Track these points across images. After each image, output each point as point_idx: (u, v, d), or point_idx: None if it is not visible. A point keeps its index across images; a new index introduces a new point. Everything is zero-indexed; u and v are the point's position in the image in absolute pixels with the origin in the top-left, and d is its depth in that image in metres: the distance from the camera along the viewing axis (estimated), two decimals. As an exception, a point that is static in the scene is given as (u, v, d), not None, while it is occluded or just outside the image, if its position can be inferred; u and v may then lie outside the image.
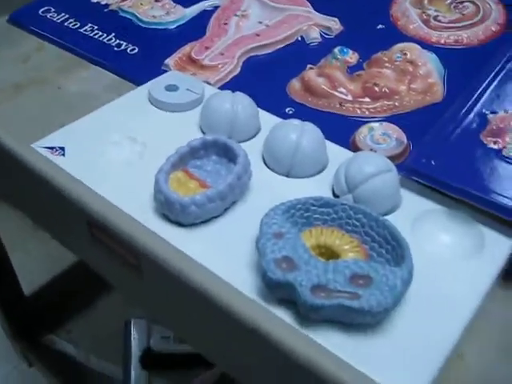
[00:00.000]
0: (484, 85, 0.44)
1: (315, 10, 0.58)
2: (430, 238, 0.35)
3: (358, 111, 0.46)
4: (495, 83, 0.44)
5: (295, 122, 0.39)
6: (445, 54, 0.51)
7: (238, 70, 0.51)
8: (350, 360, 0.28)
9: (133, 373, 0.81)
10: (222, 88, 0.48)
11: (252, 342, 0.31)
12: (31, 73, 0.52)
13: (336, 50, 0.52)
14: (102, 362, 0.90)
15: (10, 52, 0.55)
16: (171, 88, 0.45)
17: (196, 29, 0.56)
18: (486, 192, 0.36)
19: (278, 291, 0.30)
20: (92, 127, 0.42)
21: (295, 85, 0.48)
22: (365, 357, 0.28)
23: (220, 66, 0.50)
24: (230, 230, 0.35)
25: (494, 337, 0.32)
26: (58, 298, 0.96)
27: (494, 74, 0.45)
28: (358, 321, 0.29)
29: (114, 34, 0.55)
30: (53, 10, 0.59)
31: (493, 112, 0.41)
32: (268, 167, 0.39)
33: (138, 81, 0.49)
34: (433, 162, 0.37)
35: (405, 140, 0.42)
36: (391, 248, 0.31)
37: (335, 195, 0.37)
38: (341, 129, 0.43)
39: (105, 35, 0.55)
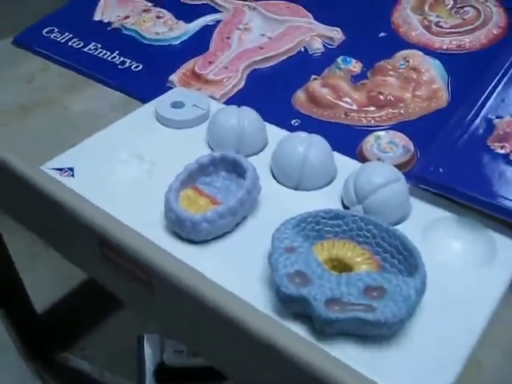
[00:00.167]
0: (488, 89, 0.44)
1: (316, 20, 0.58)
2: (441, 246, 0.35)
3: (364, 120, 0.46)
4: (500, 87, 0.44)
5: (302, 134, 0.39)
6: (448, 60, 0.51)
7: (243, 83, 0.51)
8: (367, 372, 0.28)
9: (147, 388, 0.82)
10: (227, 102, 0.48)
11: (268, 357, 0.31)
12: (37, 94, 0.52)
13: (339, 59, 0.52)
14: (116, 377, 0.90)
15: (15, 73, 0.55)
16: (177, 105, 0.45)
17: (199, 44, 0.56)
18: (495, 197, 0.36)
19: (292, 306, 0.30)
20: (100, 147, 0.43)
21: (300, 96, 0.49)
22: (381, 369, 0.28)
23: (225, 80, 0.51)
24: (242, 246, 0.35)
25: (510, 343, 0.32)
26: (70, 315, 0.96)
27: (498, 78, 0.45)
28: (374, 333, 0.29)
29: (117, 52, 0.56)
30: (56, 30, 0.60)
31: (498, 117, 0.41)
32: (277, 181, 0.39)
33: (144, 98, 0.49)
34: (441, 170, 0.38)
35: (412, 148, 0.42)
36: (403, 258, 0.31)
37: (345, 206, 0.37)
38: (347, 139, 0.43)
39: (109, 53, 0.56)
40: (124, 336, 0.90)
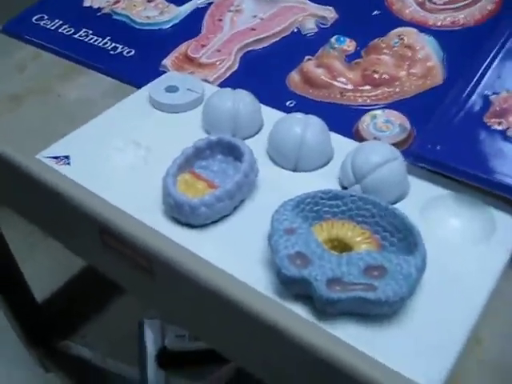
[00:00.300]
0: (484, 66, 0.43)
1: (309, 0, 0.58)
2: (441, 224, 0.35)
3: (360, 100, 0.45)
4: (495, 63, 0.44)
5: (298, 115, 0.39)
6: (442, 37, 0.50)
7: (236, 65, 0.51)
8: (368, 351, 0.28)
9: (150, 373, 0.82)
10: (221, 85, 0.48)
11: (270, 338, 0.31)
12: (29, 82, 0.51)
13: (333, 39, 0.51)
14: (118, 363, 0.90)
15: (6, 62, 0.54)
16: (171, 89, 0.45)
17: (191, 27, 0.55)
18: (492, 174, 0.35)
19: (294, 287, 0.30)
20: (95, 134, 0.42)
21: (295, 77, 0.48)
22: (382, 347, 0.29)
23: (218, 63, 0.50)
24: (241, 229, 0.35)
25: (510, 317, 0.32)
26: (71, 303, 0.96)
27: (493, 54, 0.45)
28: (375, 312, 0.29)
29: (109, 38, 0.55)
30: (46, 17, 0.59)
31: (495, 93, 0.41)
32: (274, 162, 0.39)
33: (137, 83, 0.48)
34: (438, 147, 0.37)
35: (408, 126, 0.42)
36: (403, 236, 0.31)
37: (343, 187, 0.37)
38: (343, 118, 0.43)
39: (100, 39, 0.55)
40: (125, 322, 0.90)
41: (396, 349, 0.29)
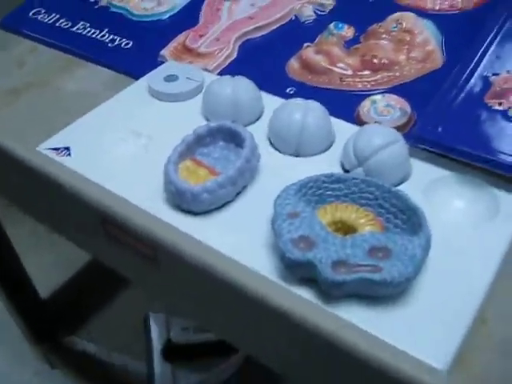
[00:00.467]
0: (483, 47, 0.43)
1: (306, -13, 0.57)
2: (444, 205, 0.35)
3: (359, 85, 0.45)
4: (494, 45, 0.43)
5: (298, 100, 0.39)
6: (441, 20, 0.50)
7: (235, 54, 0.50)
8: (375, 332, 0.28)
9: (156, 366, 0.82)
10: (220, 74, 0.48)
11: (277, 323, 0.31)
12: (28, 76, 0.51)
13: (331, 25, 0.51)
14: (124, 358, 0.91)
15: (4, 57, 0.54)
16: (170, 78, 0.45)
17: (189, 17, 0.55)
18: (494, 153, 0.35)
19: (298, 271, 0.30)
20: (95, 124, 0.42)
21: (294, 64, 0.48)
22: (389, 328, 0.29)
23: (216, 52, 0.50)
24: (244, 214, 0.35)
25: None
26: (76, 298, 0.97)
27: (492, 35, 0.44)
28: (381, 293, 0.29)
29: (106, 30, 0.55)
30: (43, 11, 0.59)
31: (495, 74, 0.41)
32: (275, 148, 0.39)
33: (136, 75, 0.48)
34: (439, 129, 0.37)
35: (408, 110, 0.42)
36: (407, 218, 0.31)
37: (345, 170, 0.37)
38: (344, 104, 0.43)
39: (98, 32, 0.55)
40: (129, 316, 0.90)
41: (402, 329, 0.29)
